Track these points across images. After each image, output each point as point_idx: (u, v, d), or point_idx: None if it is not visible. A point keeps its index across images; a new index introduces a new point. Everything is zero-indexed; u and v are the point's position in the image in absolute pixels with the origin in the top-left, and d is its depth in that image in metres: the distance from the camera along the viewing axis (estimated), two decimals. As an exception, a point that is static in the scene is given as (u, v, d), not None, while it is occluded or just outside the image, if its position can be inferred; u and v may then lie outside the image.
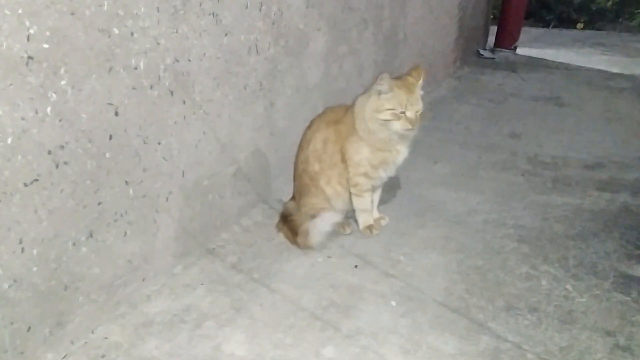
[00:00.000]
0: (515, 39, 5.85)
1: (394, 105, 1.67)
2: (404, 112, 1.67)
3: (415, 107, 1.69)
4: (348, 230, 1.91)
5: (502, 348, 1.36)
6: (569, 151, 2.82)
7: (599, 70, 4.94)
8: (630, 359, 1.34)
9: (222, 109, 1.74)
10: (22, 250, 1.15)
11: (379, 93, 1.69)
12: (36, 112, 1.12)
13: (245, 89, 1.83)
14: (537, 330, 1.43)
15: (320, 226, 1.78)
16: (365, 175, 1.82)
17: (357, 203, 1.89)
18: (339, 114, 1.84)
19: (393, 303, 1.54)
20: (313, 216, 1.82)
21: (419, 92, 1.73)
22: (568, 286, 1.63)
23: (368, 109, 1.72)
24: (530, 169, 2.58)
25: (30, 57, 1.08)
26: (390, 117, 1.68)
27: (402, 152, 1.80)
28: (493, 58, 5.50)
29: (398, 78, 1.73)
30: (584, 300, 1.56)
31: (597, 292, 1.60)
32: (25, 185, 1.13)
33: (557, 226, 2.00)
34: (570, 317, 1.48)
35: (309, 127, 1.91)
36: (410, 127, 1.69)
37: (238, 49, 1.75)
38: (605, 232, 1.96)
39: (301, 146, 1.91)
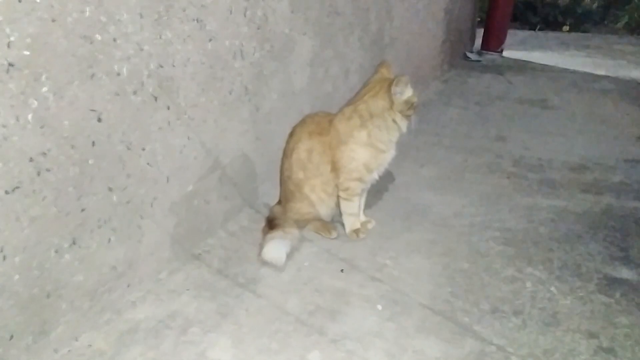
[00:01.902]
0: (502, 42, 5.89)
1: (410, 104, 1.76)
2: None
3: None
4: (334, 234, 1.91)
5: (487, 351, 1.37)
6: (554, 153, 2.84)
7: (585, 73, 4.99)
8: (613, 360, 1.35)
9: (207, 114, 1.73)
10: (4, 258, 1.14)
11: (400, 93, 1.73)
12: (17, 119, 1.11)
13: (230, 93, 1.83)
14: (521, 332, 1.44)
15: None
16: (359, 179, 1.83)
17: (346, 207, 1.89)
18: (322, 125, 1.85)
19: (379, 307, 1.54)
20: (272, 234, 1.76)
21: None
22: (552, 288, 1.64)
23: (386, 109, 1.76)
24: (516, 171, 2.60)
25: (10, 64, 1.07)
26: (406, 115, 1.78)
27: (393, 151, 1.86)
28: (480, 61, 5.54)
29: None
30: (568, 302, 1.58)
31: (581, 294, 1.62)
32: (7, 192, 1.12)
33: (542, 228, 2.01)
34: (555, 319, 1.50)
35: (290, 135, 1.91)
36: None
37: (223, 54, 1.75)
38: (590, 234, 1.98)
39: (285, 154, 1.92)
